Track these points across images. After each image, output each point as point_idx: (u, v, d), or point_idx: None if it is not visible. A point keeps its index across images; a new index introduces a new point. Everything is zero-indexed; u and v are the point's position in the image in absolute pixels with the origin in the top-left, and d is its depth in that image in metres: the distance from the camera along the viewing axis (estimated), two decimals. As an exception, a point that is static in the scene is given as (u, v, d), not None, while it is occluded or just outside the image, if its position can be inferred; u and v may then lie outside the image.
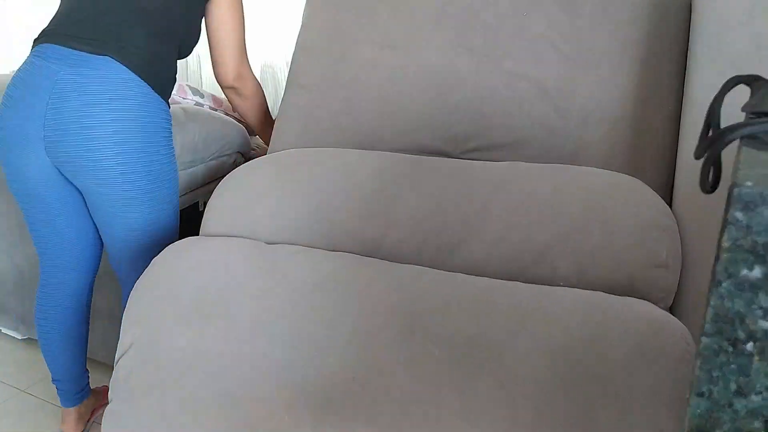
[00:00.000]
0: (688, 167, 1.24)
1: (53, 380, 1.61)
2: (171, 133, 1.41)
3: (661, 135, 1.39)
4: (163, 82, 1.37)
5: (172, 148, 1.42)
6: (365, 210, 1.22)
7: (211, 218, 1.33)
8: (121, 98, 1.29)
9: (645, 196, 1.16)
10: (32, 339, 2.07)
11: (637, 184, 1.21)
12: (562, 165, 1.30)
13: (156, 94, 1.34)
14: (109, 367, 1.92)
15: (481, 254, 1.13)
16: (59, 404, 1.73)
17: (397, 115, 1.53)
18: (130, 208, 1.37)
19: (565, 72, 1.45)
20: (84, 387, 1.64)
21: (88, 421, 1.69)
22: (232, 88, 1.57)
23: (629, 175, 1.35)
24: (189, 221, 1.67)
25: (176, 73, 1.45)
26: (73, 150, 1.30)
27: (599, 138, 1.41)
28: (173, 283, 1.15)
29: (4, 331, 2.12)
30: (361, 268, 1.12)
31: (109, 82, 1.28)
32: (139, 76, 1.31)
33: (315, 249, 1.19)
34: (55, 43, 1.32)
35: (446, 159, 1.35)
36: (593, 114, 1.42)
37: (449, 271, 1.12)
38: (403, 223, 1.19)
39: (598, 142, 1.41)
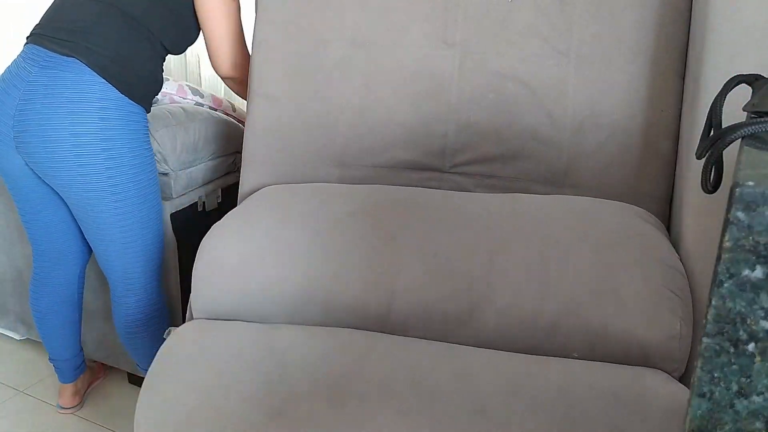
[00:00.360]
0: (690, 178, 1.19)
1: (50, 359, 1.70)
2: (142, 134, 1.40)
3: (663, 142, 1.31)
4: (133, 82, 1.36)
5: (145, 149, 1.41)
6: (365, 279, 1.09)
7: (201, 295, 1.18)
8: (81, 101, 1.30)
9: (655, 243, 1.09)
10: (31, 339, 2.06)
11: (645, 226, 1.14)
12: (564, 198, 1.22)
13: (122, 96, 1.34)
14: (107, 367, 1.92)
15: (491, 326, 1.05)
16: (58, 405, 1.74)
17: (377, 126, 1.41)
18: (96, 210, 1.38)
19: (556, 70, 1.33)
20: (79, 365, 1.73)
21: (84, 394, 1.79)
22: (230, 77, 1.55)
23: (630, 188, 1.30)
24: (188, 221, 1.66)
25: (157, 72, 1.44)
26: (35, 152, 1.33)
27: (596, 147, 1.32)
28: (177, 396, 1.03)
29: (2, 331, 2.11)
30: (369, 350, 1.03)
31: (71, 85, 1.29)
32: (104, 78, 1.31)
33: (318, 329, 1.09)
34: (35, 44, 1.34)
35: (442, 195, 1.25)
36: (589, 119, 1.32)
37: (459, 344, 1.06)
38: (407, 292, 1.08)
39: (595, 152, 1.32)
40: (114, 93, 1.32)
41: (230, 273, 1.14)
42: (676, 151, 1.32)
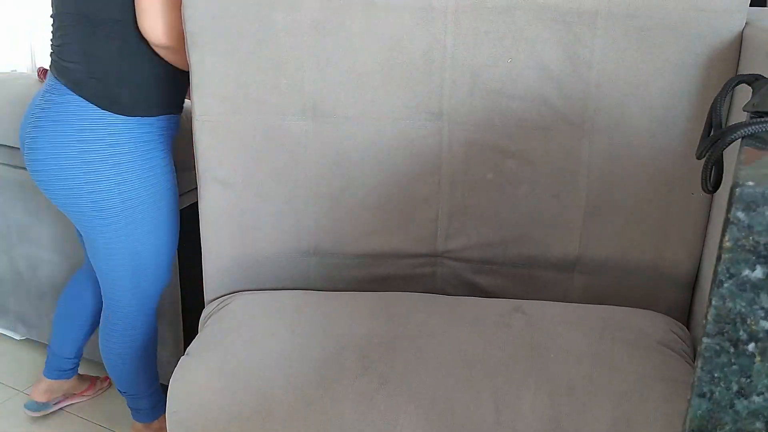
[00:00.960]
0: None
1: (48, 347, 1.69)
2: (131, 149, 1.28)
3: (690, 226, 1.15)
4: (116, 94, 1.26)
5: (137, 166, 1.30)
6: None
7: None
8: (62, 122, 1.26)
9: (678, 390, 0.98)
10: (30, 339, 2.06)
11: (670, 360, 1.02)
12: (578, 313, 1.10)
13: (104, 112, 1.25)
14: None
15: None
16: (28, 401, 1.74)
17: (354, 211, 1.24)
18: (91, 232, 1.34)
19: (567, 144, 1.15)
20: (66, 369, 1.70)
21: (56, 402, 1.73)
22: (164, 46, 1.25)
23: (651, 275, 1.20)
24: (188, 221, 1.66)
25: (145, 70, 1.28)
26: (30, 173, 1.33)
27: (613, 232, 1.18)
28: None
29: (2, 331, 2.11)
30: None
31: (55, 106, 1.26)
32: (81, 95, 1.25)
33: None
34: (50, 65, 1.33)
35: (438, 315, 1.11)
36: (606, 201, 1.17)
37: None
38: None
39: (612, 237, 1.19)
40: (94, 111, 1.25)
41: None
42: (705, 237, 1.19)
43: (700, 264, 1.20)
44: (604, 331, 1.08)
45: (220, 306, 1.24)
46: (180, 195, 1.65)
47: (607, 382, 0.98)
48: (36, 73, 1.84)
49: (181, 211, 1.65)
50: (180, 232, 1.51)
